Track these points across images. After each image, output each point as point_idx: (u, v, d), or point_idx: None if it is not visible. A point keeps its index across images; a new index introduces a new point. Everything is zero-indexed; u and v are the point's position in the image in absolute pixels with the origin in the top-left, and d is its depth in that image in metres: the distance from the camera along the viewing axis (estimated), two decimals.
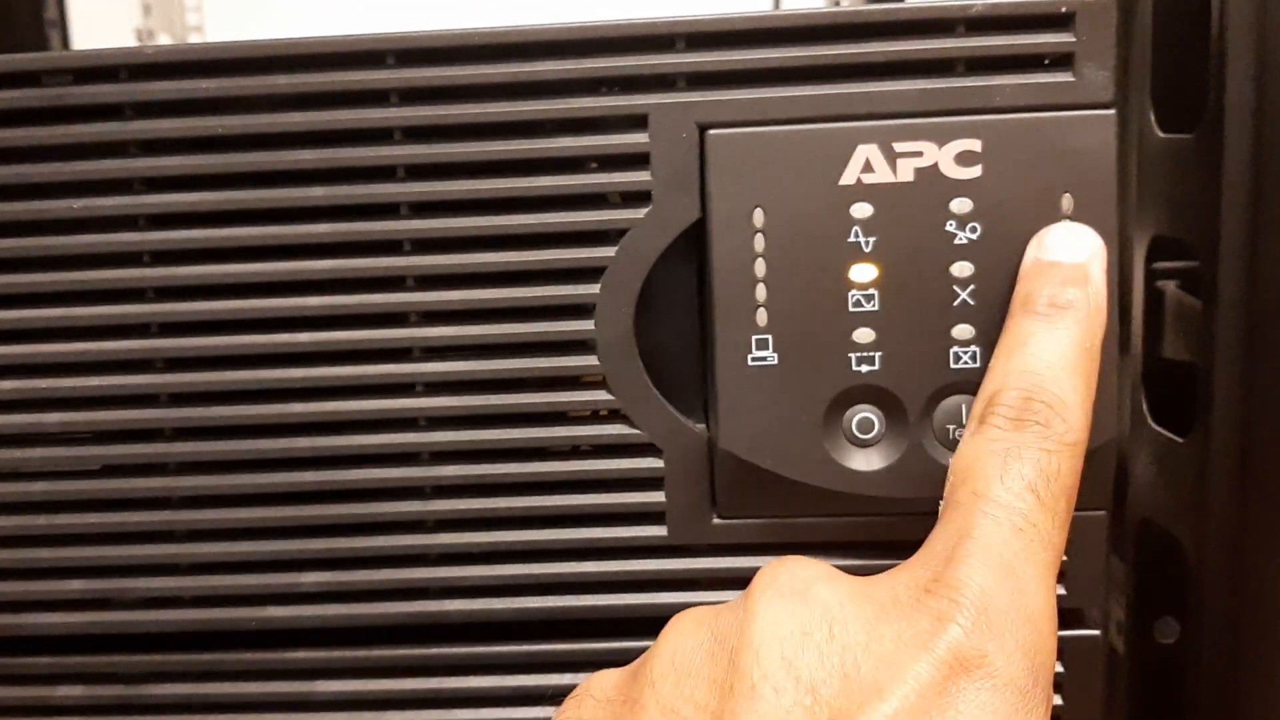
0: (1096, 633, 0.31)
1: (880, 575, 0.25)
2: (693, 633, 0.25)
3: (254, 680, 0.32)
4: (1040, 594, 0.23)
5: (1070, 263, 0.27)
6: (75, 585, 0.32)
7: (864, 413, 0.29)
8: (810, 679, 0.22)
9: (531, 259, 0.30)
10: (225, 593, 0.32)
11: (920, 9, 0.29)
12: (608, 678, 0.26)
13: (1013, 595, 0.23)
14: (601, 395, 0.30)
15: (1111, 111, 0.28)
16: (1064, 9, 0.28)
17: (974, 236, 0.28)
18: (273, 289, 0.30)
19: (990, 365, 0.27)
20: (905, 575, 0.24)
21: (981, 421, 0.26)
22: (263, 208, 0.30)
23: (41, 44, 0.68)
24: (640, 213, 0.29)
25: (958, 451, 0.26)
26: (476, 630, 0.32)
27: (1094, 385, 0.27)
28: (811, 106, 0.29)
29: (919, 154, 0.28)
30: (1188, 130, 0.34)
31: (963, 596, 0.23)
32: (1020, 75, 0.29)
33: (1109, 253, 0.28)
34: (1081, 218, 0.28)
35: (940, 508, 0.26)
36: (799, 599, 0.24)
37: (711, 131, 0.29)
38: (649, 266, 0.30)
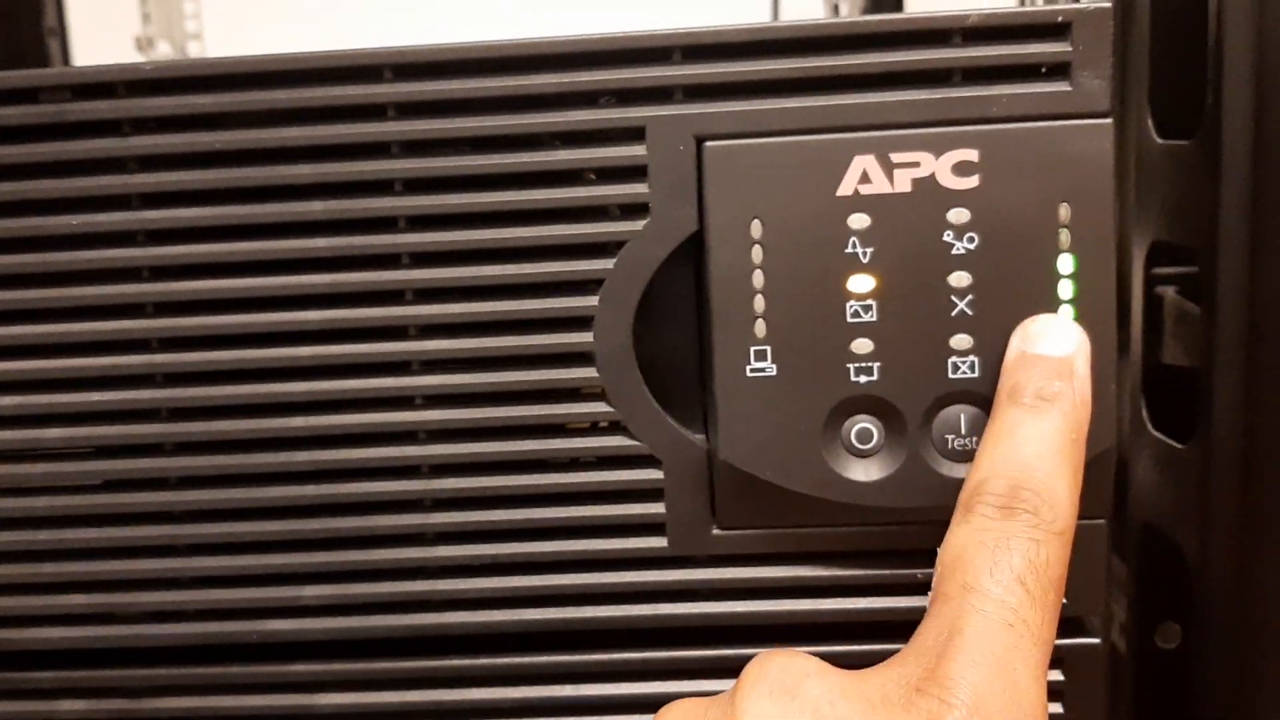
0: (1097, 640, 0.31)
1: (871, 670, 0.25)
2: None
3: (256, 693, 0.32)
4: (1032, 692, 0.23)
5: (1055, 356, 0.28)
6: (77, 599, 0.32)
7: (863, 423, 0.29)
8: None
9: (530, 271, 0.30)
10: (227, 606, 0.32)
11: (917, 19, 0.29)
12: None
13: (1004, 694, 0.23)
14: (600, 407, 0.30)
15: (1108, 120, 0.28)
16: (1060, 19, 0.28)
17: (971, 246, 0.28)
18: (272, 303, 0.31)
19: (977, 455, 0.27)
20: (896, 671, 0.24)
21: (969, 510, 0.26)
22: (261, 222, 0.30)
23: (41, 52, 0.68)
24: (638, 224, 0.29)
25: (945, 541, 0.26)
26: (478, 642, 0.32)
27: (1080, 476, 0.27)
28: (808, 117, 0.29)
29: (916, 164, 0.28)
30: (1186, 136, 0.34)
31: (954, 697, 0.23)
32: (1017, 85, 0.28)
33: (1106, 263, 0.28)
34: (1079, 226, 0.28)
35: (929, 597, 0.26)
36: (789, 696, 0.24)
37: (709, 143, 0.29)
38: (647, 278, 0.30)
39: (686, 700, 0.26)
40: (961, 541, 0.25)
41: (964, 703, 0.23)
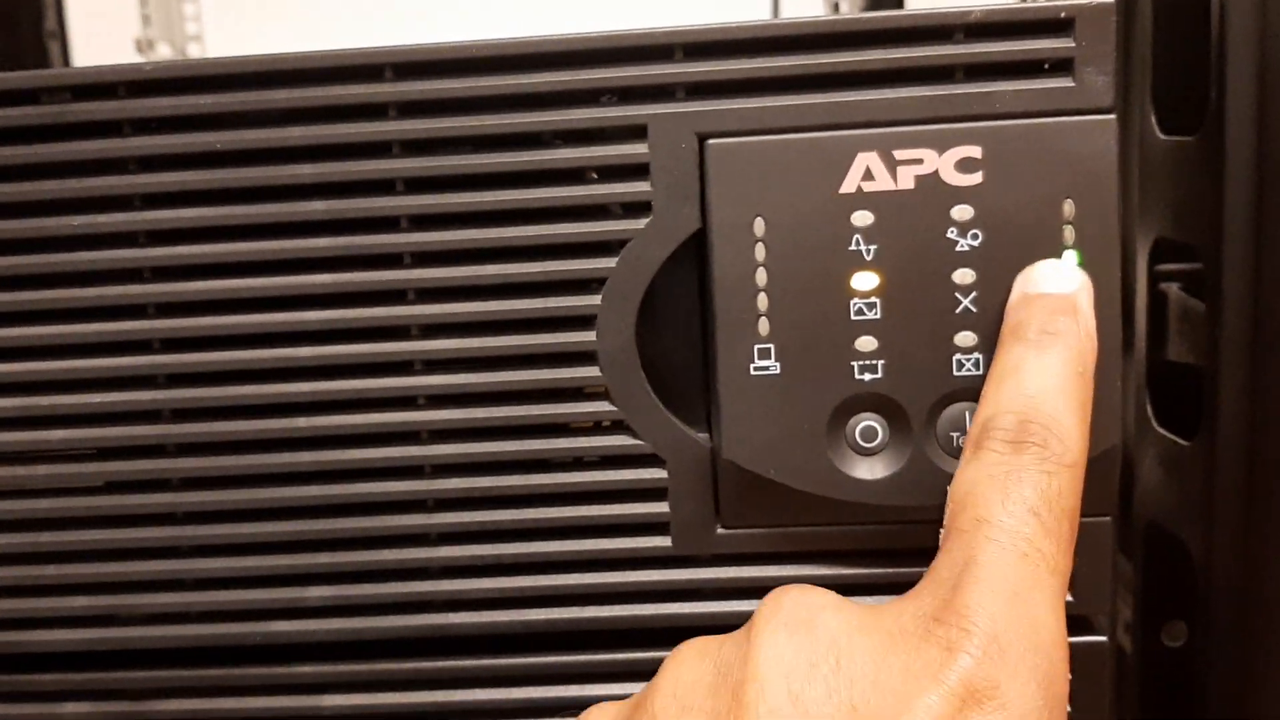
0: (1103, 639, 0.31)
1: (886, 604, 0.24)
2: (695, 664, 0.24)
3: (260, 695, 0.32)
4: (1050, 621, 0.23)
5: (1058, 293, 0.27)
6: (80, 601, 0.32)
7: (867, 421, 0.29)
8: (817, 713, 0.22)
9: (532, 270, 0.30)
10: (230, 608, 0.32)
11: (919, 15, 0.29)
12: (605, 711, 0.26)
13: (1022, 622, 0.23)
14: (604, 406, 0.30)
15: (1112, 116, 0.28)
16: (1063, 14, 0.28)
17: (975, 243, 0.28)
18: (273, 304, 0.30)
19: (983, 392, 0.27)
20: (912, 604, 0.24)
21: (978, 446, 0.26)
22: (262, 223, 0.30)
23: (41, 55, 0.68)
24: (641, 223, 0.29)
25: (955, 478, 0.26)
26: (481, 643, 0.32)
27: (1089, 409, 0.26)
28: (811, 115, 0.29)
29: (919, 161, 0.28)
30: (1189, 133, 0.34)
31: (973, 625, 0.22)
32: (1020, 81, 0.28)
33: (1110, 259, 0.28)
34: (1083, 223, 0.28)
35: (941, 535, 0.25)
36: (805, 629, 0.24)
37: (711, 141, 0.29)
38: (650, 277, 0.30)
39: (701, 638, 0.26)
40: (972, 477, 0.25)
41: (982, 630, 0.22)
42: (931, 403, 0.29)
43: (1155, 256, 0.37)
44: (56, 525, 0.32)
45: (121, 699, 0.33)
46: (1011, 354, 0.27)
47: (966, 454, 0.26)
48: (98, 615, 0.32)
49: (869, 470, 0.29)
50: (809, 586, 0.25)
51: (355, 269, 0.30)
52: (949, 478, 0.28)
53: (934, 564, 0.25)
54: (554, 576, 0.31)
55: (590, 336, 0.30)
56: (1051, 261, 0.28)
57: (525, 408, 0.30)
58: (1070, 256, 0.28)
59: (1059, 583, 0.24)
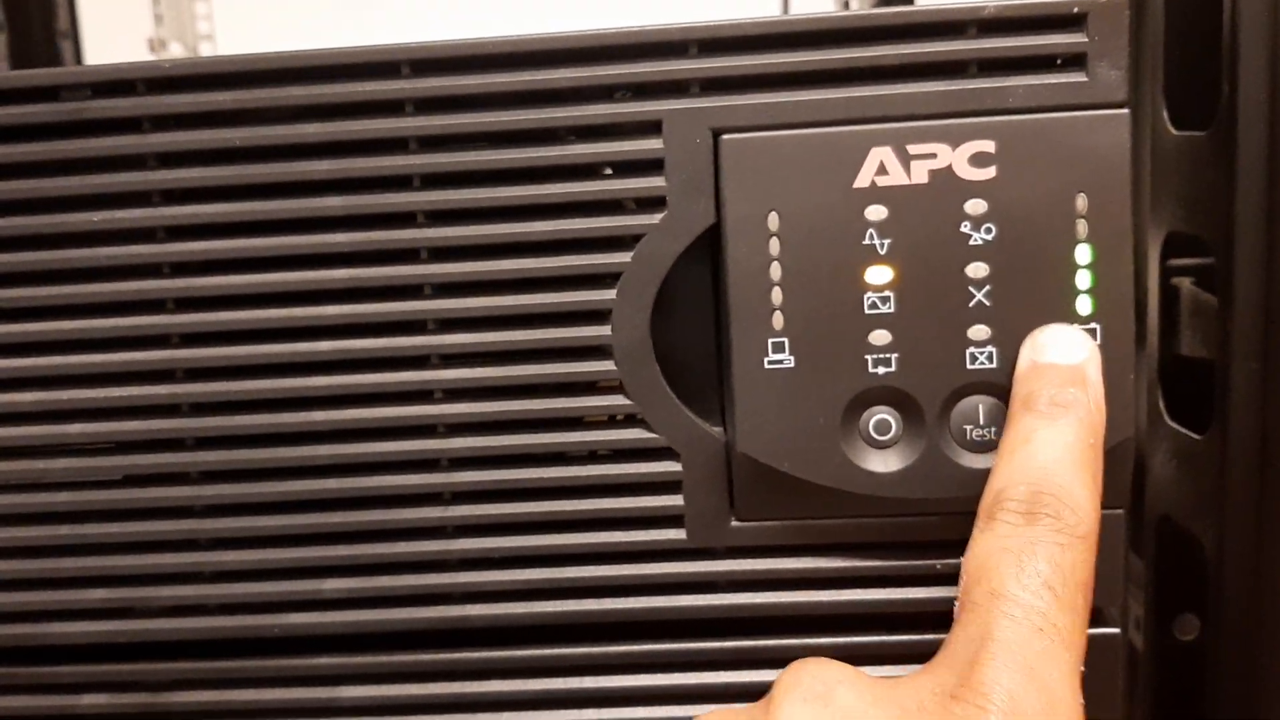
0: (1116, 631, 0.31)
1: (903, 678, 0.25)
2: None
3: (277, 687, 0.33)
4: (1066, 695, 0.23)
5: (1067, 364, 0.28)
6: (99, 594, 0.32)
7: (881, 414, 0.29)
8: None
9: (547, 265, 0.30)
10: (248, 600, 0.32)
11: (932, 11, 0.29)
12: None
13: (1039, 698, 0.23)
14: (619, 400, 0.30)
15: (1125, 111, 0.28)
16: (1076, 9, 0.28)
17: (989, 237, 0.28)
18: (291, 299, 0.31)
19: (995, 463, 0.27)
20: (929, 679, 0.24)
21: (990, 518, 0.26)
22: (280, 218, 0.30)
23: (53, 54, 0.68)
24: (655, 218, 0.30)
25: (969, 550, 0.26)
26: (498, 634, 0.32)
27: (1100, 480, 0.27)
28: (825, 110, 0.29)
29: (933, 156, 0.28)
30: (1202, 127, 0.34)
31: (990, 702, 0.23)
32: (1033, 76, 0.29)
33: (1123, 253, 0.28)
34: (1096, 217, 0.28)
35: (955, 607, 0.26)
36: (822, 703, 0.24)
37: (725, 136, 0.29)
38: (665, 271, 0.30)
39: (720, 710, 0.26)
40: (985, 549, 0.25)
41: (1000, 708, 0.22)
42: (945, 396, 0.29)
43: (1167, 251, 0.37)
44: (75, 518, 0.32)
45: (139, 691, 0.33)
46: (1023, 425, 0.27)
47: (979, 524, 0.26)
48: (116, 608, 0.33)
49: (883, 463, 0.29)
50: (827, 660, 0.26)
51: (372, 264, 0.30)
52: (963, 470, 0.29)
53: (949, 637, 0.25)
54: (569, 569, 0.31)
55: (605, 331, 0.30)
56: (1059, 328, 0.28)
57: (540, 401, 0.31)
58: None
59: (1074, 657, 0.24)
